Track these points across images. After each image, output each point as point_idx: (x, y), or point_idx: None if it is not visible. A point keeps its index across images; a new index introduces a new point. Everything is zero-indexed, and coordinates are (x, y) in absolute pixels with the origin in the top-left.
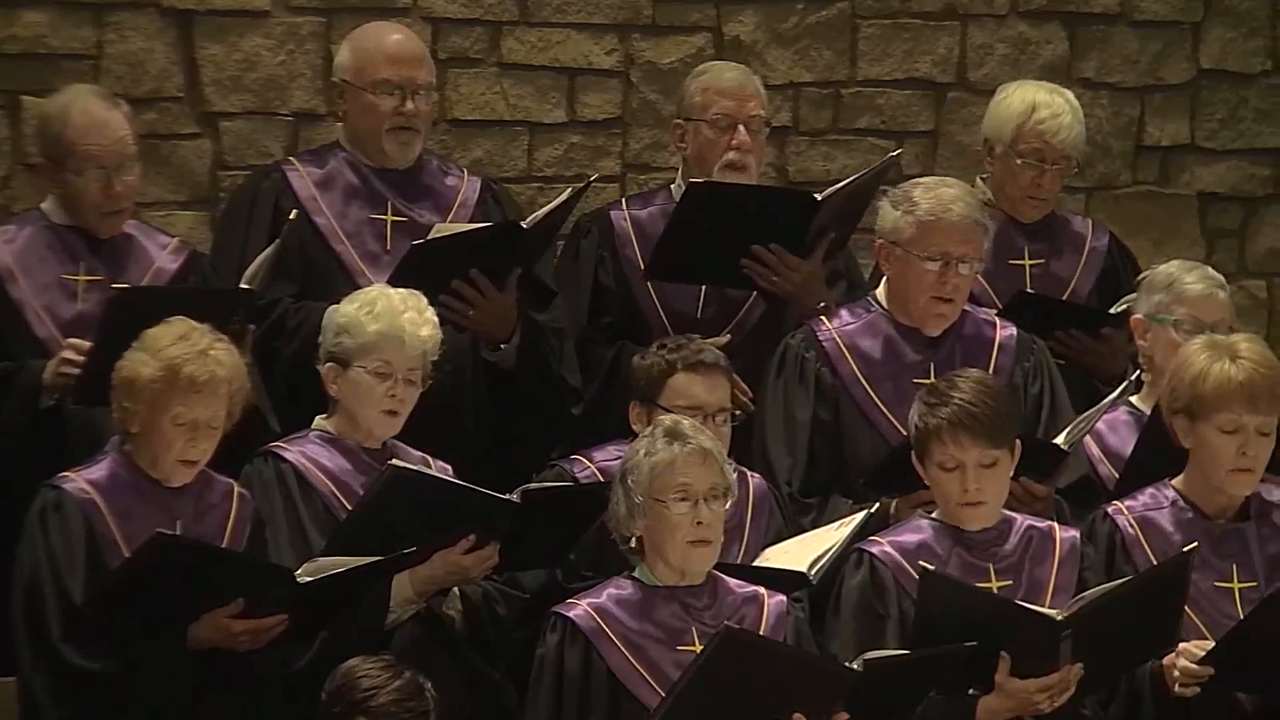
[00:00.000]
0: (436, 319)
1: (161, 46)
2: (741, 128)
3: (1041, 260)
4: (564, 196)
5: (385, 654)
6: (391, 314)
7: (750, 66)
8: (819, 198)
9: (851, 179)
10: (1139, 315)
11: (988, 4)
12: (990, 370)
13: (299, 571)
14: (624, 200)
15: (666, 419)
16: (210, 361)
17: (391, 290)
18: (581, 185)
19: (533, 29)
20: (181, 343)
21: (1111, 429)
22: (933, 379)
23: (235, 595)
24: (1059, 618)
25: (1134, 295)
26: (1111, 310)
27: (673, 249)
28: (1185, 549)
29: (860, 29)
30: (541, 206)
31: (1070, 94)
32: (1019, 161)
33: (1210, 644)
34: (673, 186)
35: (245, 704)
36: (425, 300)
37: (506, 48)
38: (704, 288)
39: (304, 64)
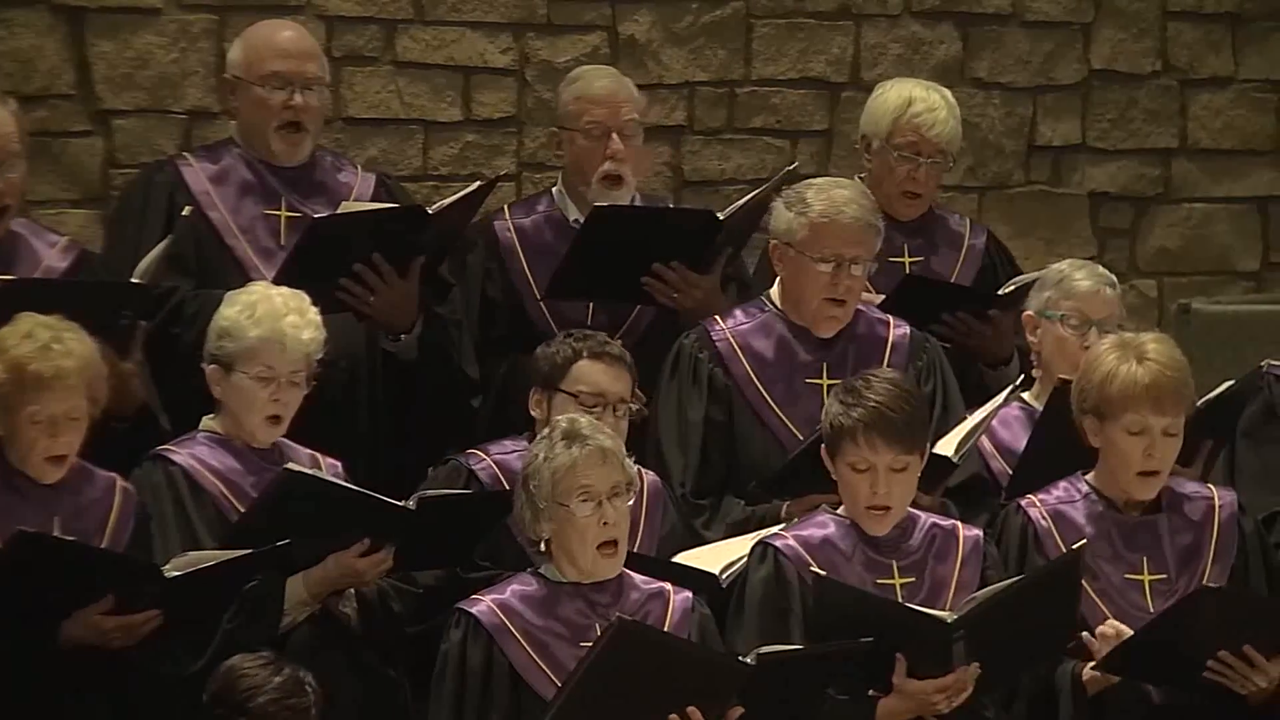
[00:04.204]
0: (319, 320)
1: (52, 43)
2: (615, 135)
3: (920, 258)
4: (471, 189)
5: (264, 652)
6: (273, 318)
7: (645, 66)
8: (721, 216)
9: (751, 195)
10: (1030, 312)
11: (881, 4)
12: None
13: (167, 567)
14: (505, 209)
15: (563, 420)
16: (56, 355)
17: (273, 292)
18: (487, 182)
19: (428, 27)
20: (25, 341)
21: (1004, 424)
22: (825, 379)
23: (105, 592)
24: (949, 619)
25: (1023, 277)
26: (1000, 291)
27: (572, 271)
28: (1074, 546)
29: (755, 29)
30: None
31: (947, 92)
32: (895, 154)
33: (1127, 631)
34: (554, 191)
35: (129, 705)
36: (308, 301)
37: (401, 46)
38: None
39: (197, 62)
